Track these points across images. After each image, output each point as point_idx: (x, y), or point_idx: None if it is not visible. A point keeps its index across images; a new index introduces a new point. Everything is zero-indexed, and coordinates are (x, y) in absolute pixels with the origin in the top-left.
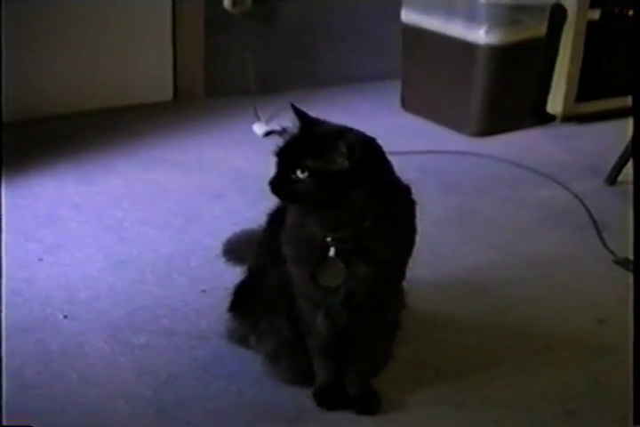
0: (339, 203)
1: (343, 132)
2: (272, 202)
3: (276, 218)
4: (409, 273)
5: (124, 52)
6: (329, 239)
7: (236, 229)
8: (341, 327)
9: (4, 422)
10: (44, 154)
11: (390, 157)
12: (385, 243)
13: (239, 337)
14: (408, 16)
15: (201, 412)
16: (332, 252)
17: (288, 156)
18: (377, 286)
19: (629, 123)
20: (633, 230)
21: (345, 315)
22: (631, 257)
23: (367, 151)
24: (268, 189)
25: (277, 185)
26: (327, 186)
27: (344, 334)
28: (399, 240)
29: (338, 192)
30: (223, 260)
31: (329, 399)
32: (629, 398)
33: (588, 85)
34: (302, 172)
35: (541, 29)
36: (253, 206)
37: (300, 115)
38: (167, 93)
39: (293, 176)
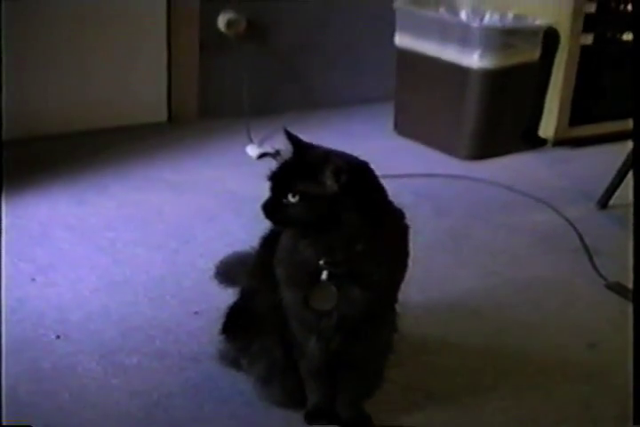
0: (331, 227)
1: (332, 156)
2: (266, 224)
3: (268, 241)
4: (401, 296)
5: (118, 73)
6: (321, 263)
7: (230, 250)
8: (334, 351)
9: (4, 423)
10: (38, 174)
11: (383, 181)
12: (377, 267)
13: (231, 359)
14: (402, 40)
15: None
16: (324, 275)
17: (280, 180)
18: (369, 309)
19: (622, 147)
20: (633, 243)
21: (338, 338)
22: (623, 282)
23: (356, 175)
24: (261, 212)
25: (270, 209)
26: (318, 210)
27: (336, 357)
28: (391, 264)
29: (329, 216)
30: (216, 282)
31: (320, 422)
32: (621, 422)
33: (581, 110)
34: (293, 196)
35: (534, 54)
36: (247, 228)
37: (293, 139)
38: (161, 115)
39: (285, 200)
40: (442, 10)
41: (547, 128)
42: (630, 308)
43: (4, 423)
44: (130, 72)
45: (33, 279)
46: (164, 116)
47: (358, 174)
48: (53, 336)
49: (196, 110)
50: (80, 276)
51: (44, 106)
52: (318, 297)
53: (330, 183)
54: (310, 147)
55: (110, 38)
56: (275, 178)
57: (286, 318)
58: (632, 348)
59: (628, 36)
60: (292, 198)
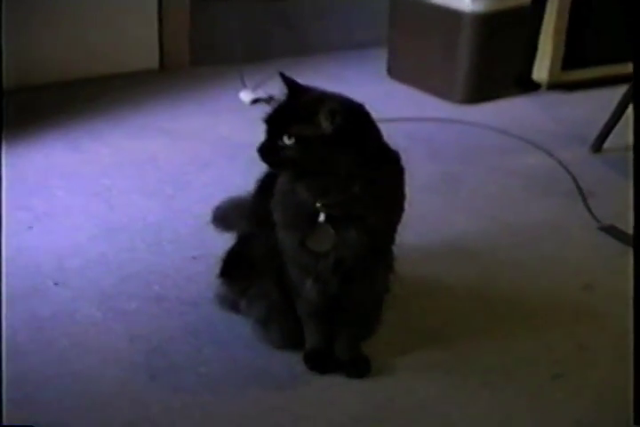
0: (327, 169)
1: (326, 97)
2: (261, 169)
3: (264, 184)
4: (397, 239)
5: (109, 20)
6: (318, 205)
7: (225, 196)
8: (330, 293)
9: (4, 422)
10: (31, 123)
11: (377, 124)
12: (374, 209)
13: (230, 303)
14: None
15: (193, 377)
16: (321, 217)
17: (275, 122)
18: (366, 251)
19: (615, 91)
20: (633, 220)
21: (334, 281)
22: (617, 224)
23: (351, 116)
24: (256, 155)
25: (265, 151)
26: (313, 152)
27: (333, 299)
28: (388, 206)
29: (325, 158)
30: (212, 227)
31: (319, 364)
32: (615, 363)
33: (574, 53)
34: (289, 138)
35: None
36: (242, 174)
37: (289, 82)
38: (153, 62)
39: (280, 143)
40: None
41: (540, 72)
42: (625, 250)
43: (5, 423)
44: (121, 19)
45: (30, 227)
46: (155, 64)
47: (353, 116)
48: (52, 284)
49: (188, 57)
50: (77, 223)
51: (35, 55)
52: (315, 239)
53: (325, 125)
54: (306, 89)
55: None
56: (270, 120)
57: (283, 261)
58: (632, 350)
59: None
60: (287, 141)
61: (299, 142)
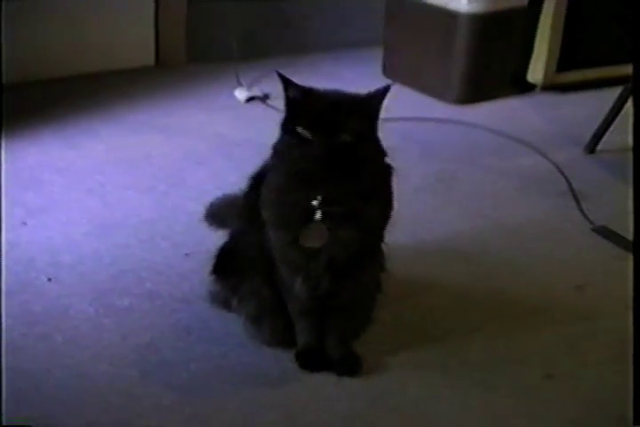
0: (330, 167)
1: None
2: (254, 166)
3: (257, 182)
4: (390, 238)
5: (106, 16)
6: (315, 203)
7: (219, 193)
8: (322, 291)
9: (4, 422)
10: (27, 119)
11: None
12: (369, 206)
13: (222, 300)
14: None
15: (184, 374)
16: (318, 215)
17: (330, 119)
18: (359, 249)
19: (609, 92)
20: (633, 226)
21: (326, 279)
22: (609, 226)
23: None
24: (250, 153)
25: (334, 151)
26: (367, 148)
27: (324, 297)
28: (382, 203)
29: (370, 154)
30: (206, 224)
31: (311, 361)
32: (607, 363)
33: (569, 55)
34: (349, 135)
35: None
36: (236, 171)
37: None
38: (149, 59)
39: (337, 140)
40: None
41: (535, 73)
42: (618, 252)
43: (5, 423)
44: (118, 16)
45: (24, 223)
46: (151, 61)
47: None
48: (45, 279)
49: (185, 54)
50: (71, 219)
51: (31, 51)
52: (310, 237)
53: (375, 120)
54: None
55: None
56: (322, 118)
57: (273, 259)
58: (632, 350)
59: None
60: (346, 138)
61: (359, 139)
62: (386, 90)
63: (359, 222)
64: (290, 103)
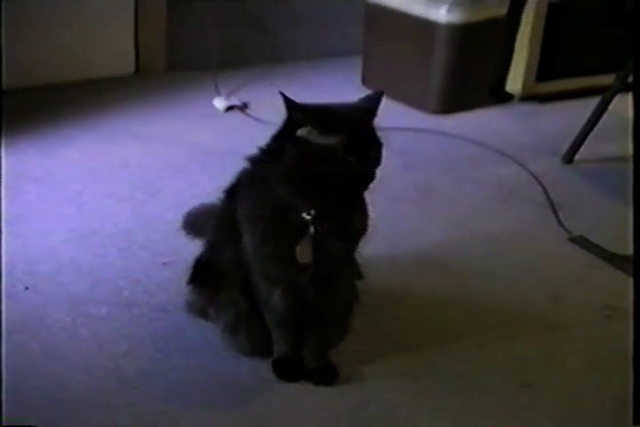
0: (323, 180)
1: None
2: (232, 176)
3: (232, 194)
4: (368, 248)
5: (85, 25)
6: (308, 217)
7: (197, 202)
8: (304, 302)
9: (4, 422)
10: (5, 127)
11: None
12: (357, 217)
13: (199, 310)
14: None
15: (161, 383)
16: (312, 229)
17: (366, 133)
18: (344, 260)
19: (588, 103)
20: (633, 230)
21: (310, 291)
22: (586, 236)
23: None
24: (228, 162)
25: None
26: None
27: (302, 307)
28: (364, 213)
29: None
30: (183, 233)
31: (287, 371)
32: (583, 373)
33: (548, 65)
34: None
35: (502, 9)
36: (214, 180)
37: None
38: (129, 67)
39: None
40: None
41: (514, 83)
42: (594, 262)
43: (4, 423)
44: (97, 25)
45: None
46: (131, 69)
47: None
48: (22, 288)
49: (164, 63)
50: (48, 228)
51: (9, 59)
52: (304, 252)
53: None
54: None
55: None
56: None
57: (249, 271)
58: (632, 351)
59: None
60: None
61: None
62: (379, 99)
63: (347, 234)
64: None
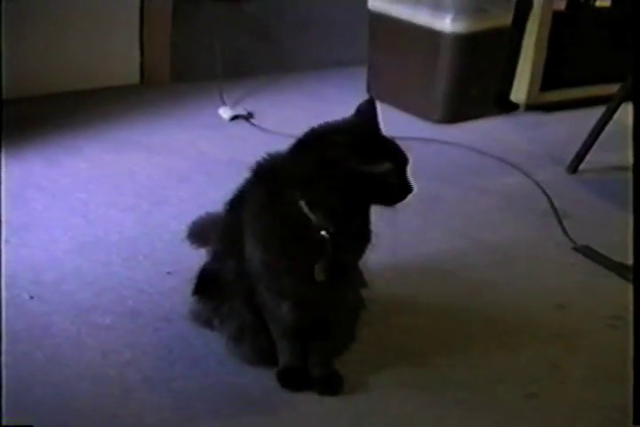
0: (345, 197)
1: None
2: (237, 185)
3: (235, 205)
4: (372, 258)
5: (91, 35)
6: (327, 235)
7: (202, 212)
8: (314, 314)
9: (4, 422)
10: (10, 136)
11: None
12: (367, 228)
13: (204, 319)
14: (375, 3)
15: (166, 392)
16: (330, 247)
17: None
18: (354, 272)
19: (593, 112)
20: (633, 234)
21: (322, 303)
22: (591, 245)
23: None
24: (233, 171)
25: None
26: None
27: (309, 318)
28: (370, 223)
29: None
30: (188, 243)
31: (292, 381)
32: (588, 382)
33: (553, 75)
34: None
35: (507, 19)
36: (219, 190)
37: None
38: (134, 77)
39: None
40: None
41: (518, 93)
42: (599, 271)
43: (4, 423)
44: (103, 34)
45: (6, 241)
46: (136, 79)
47: None
48: (27, 297)
49: (169, 73)
50: (53, 237)
51: (15, 69)
52: (323, 270)
53: None
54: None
55: (84, 1)
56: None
57: (254, 283)
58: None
59: (600, 3)
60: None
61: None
62: (374, 109)
63: (361, 247)
64: None
